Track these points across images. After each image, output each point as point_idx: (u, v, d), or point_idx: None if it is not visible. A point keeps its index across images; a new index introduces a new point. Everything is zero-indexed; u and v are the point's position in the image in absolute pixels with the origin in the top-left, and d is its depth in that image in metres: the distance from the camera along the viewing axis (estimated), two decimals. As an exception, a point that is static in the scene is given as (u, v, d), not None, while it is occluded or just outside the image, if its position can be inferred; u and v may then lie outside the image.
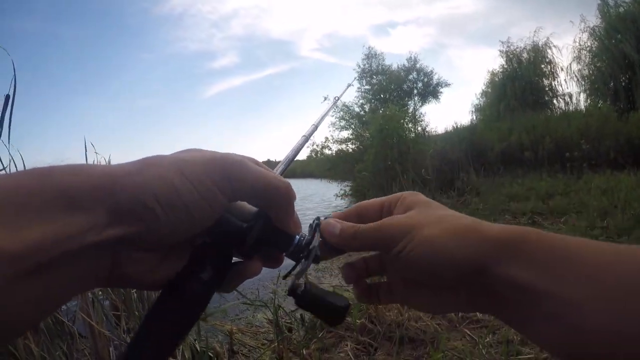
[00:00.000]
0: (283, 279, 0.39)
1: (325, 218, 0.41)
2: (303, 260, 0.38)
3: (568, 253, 0.30)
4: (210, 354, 1.98)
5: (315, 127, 0.70)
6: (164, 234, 0.29)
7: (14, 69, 1.70)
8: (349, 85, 1.28)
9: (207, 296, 0.33)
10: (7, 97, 1.67)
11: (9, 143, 1.74)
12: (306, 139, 0.62)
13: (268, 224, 0.36)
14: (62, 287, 0.26)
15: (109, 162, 2.38)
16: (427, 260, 0.35)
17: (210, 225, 0.32)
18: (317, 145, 11.53)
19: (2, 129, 1.65)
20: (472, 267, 0.33)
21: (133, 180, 0.28)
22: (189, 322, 0.32)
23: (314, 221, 0.41)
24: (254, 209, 0.36)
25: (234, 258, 0.36)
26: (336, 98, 0.97)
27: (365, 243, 0.39)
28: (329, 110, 0.79)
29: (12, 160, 1.80)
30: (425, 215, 0.38)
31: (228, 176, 0.31)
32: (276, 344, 2.18)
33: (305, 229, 0.40)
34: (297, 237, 0.38)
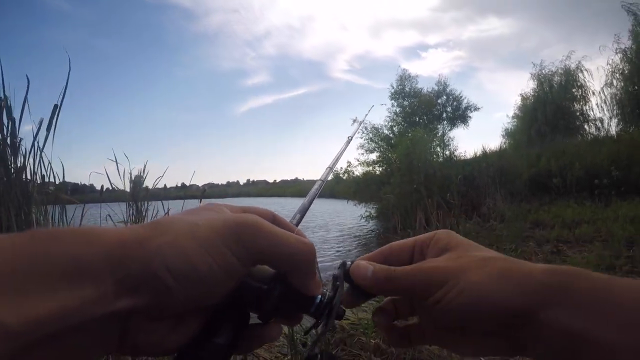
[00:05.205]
0: (304, 335, 0.40)
1: (352, 262, 0.39)
2: (325, 317, 0.35)
3: (619, 297, 0.28)
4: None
5: (331, 170, 0.70)
6: (177, 305, 0.28)
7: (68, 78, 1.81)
8: (361, 122, 1.30)
9: None
10: (56, 106, 1.78)
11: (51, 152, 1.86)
12: (322, 183, 0.61)
13: (287, 287, 0.34)
14: (65, 359, 0.24)
15: (144, 168, 2.45)
16: (470, 308, 0.32)
17: (228, 292, 0.30)
18: (340, 170, 11.56)
19: (49, 134, 1.77)
20: (517, 313, 0.31)
21: (144, 248, 0.26)
22: None
23: (339, 268, 0.38)
24: (272, 270, 0.34)
25: (252, 319, 0.35)
26: (349, 138, 0.94)
27: (400, 287, 0.36)
28: (342, 153, 0.80)
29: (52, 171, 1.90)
30: (466, 258, 0.35)
31: (245, 242, 0.29)
32: (290, 357, 2.18)
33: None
34: (319, 296, 0.35)
